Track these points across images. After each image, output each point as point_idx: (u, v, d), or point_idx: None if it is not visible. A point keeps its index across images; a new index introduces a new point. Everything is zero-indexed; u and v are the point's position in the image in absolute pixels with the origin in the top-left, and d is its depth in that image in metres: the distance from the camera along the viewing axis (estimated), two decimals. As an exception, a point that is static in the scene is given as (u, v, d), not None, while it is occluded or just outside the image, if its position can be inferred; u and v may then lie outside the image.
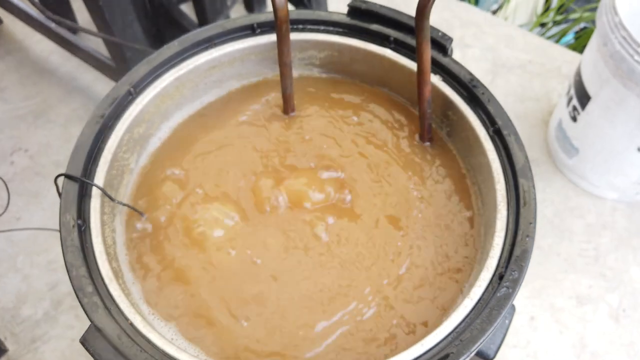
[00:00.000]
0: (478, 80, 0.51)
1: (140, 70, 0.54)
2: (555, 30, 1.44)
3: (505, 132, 0.48)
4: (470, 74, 0.52)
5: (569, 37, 1.42)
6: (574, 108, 1.03)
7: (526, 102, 1.16)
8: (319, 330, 0.45)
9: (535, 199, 0.45)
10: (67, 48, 1.15)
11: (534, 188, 0.45)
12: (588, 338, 0.96)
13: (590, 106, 0.98)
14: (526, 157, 0.47)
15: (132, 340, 0.40)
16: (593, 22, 1.34)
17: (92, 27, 0.98)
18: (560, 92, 1.20)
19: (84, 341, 0.39)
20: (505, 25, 1.25)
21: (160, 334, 0.42)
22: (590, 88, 0.97)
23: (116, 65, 1.03)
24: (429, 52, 0.48)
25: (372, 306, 0.47)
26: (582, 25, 1.43)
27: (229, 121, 0.58)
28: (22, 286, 0.99)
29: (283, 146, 0.56)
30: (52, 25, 1.11)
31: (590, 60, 0.96)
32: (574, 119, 1.04)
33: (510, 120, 0.49)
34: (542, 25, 1.47)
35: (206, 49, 0.57)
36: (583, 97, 0.99)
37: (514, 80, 1.14)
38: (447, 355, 0.39)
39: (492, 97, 0.50)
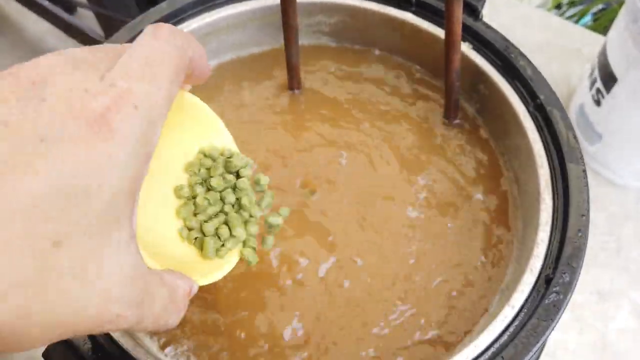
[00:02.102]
0: (515, 48, 0.44)
1: (121, 38, 0.46)
2: (572, 11, 1.37)
3: (548, 109, 0.41)
4: (506, 39, 0.45)
5: (587, 19, 1.35)
6: (598, 91, 0.96)
7: (544, 85, 1.09)
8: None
9: (587, 186, 0.38)
10: (62, 28, 1.09)
11: (584, 173, 0.38)
12: (610, 337, 0.90)
13: (616, 89, 0.91)
14: (575, 137, 0.40)
15: (106, 353, 0.33)
16: (614, 1, 1.27)
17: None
18: (580, 74, 1.13)
19: (46, 356, 0.33)
20: (522, 5, 1.18)
21: (141, 345, 0.35)
22: (616, 69, 0.90)
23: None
24: (460, 14, 0.41)
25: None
26: (600, 6, 1.36)
27: (226, 98, 0.51)
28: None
29: (289, 126, 0.48)
30: (46, 3, 1.05)
31: (617, 40, 0.89)
32: (598, 102, 0.97)
33: (554, 94, 0.42)
34: (558, 7, 1.40)
35: (200, 12, 0.50)
36: (608, 79, 0.92)
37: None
38: (486, 375, 0.32)
39: (532, 67, 0.43)
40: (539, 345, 0.33)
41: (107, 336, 0.34)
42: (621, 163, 1.00)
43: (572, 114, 1.06)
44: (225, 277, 0.32)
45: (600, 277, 0.95)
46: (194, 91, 0.33)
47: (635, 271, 0.96)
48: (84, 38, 1.07)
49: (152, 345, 0.38)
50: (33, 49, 1.26)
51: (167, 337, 0.39)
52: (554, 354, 0.89)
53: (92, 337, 0.34)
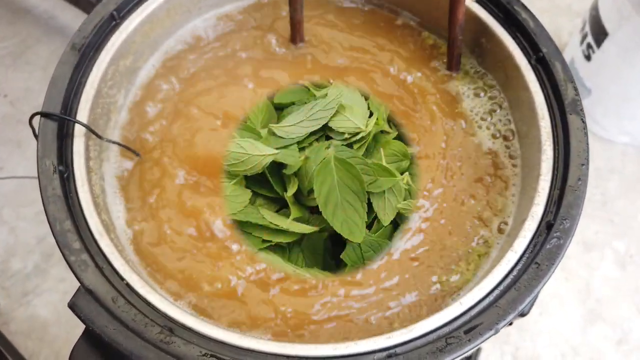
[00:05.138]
0: (518, 0, 0.44)
1: (124, -11, 0.46)
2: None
3: (551, 61, 0.42)
4: (509, -8, 0.45)
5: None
6: (589, 46, 0.97)
7: (535, 40, 1.09)
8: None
9: (587, 136, 0.39)
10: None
11: (584, 123, 0.40)
12: (594, 284, 0.94)
13: (606, 44, 0.92)
14: (576, 89, 0.41)
15: (128, 302, 0.35)
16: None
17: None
18: (570, 30, 1.14)
19: (72, 305, 0.34)
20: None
21: (161, 295, 0.36)
22: (608, 24, 0.91)
23: (98, 1, 0.93)
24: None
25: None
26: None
27: (227, 53, 0.50)
28: (10, 239, 0.96)
29: (291, 81, 0.49)
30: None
31: (610, -7, 0.90)
32: (588, 57, 0.98)
33: (557, 48, 0.42)
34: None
35: (200, -37, 0.49)
36: (599, 34, 0.93)
37: (523, 17, 1.07)
38: (491, 316, 0.34)
39: (535, 20, 0.44)
40: (539, 288, 0.35)
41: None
42: (609, 118, 1.02)
43: (563, 69, 1.07)
44: None
45: (586, 228, 0.99)
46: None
47: (619, 223, 0.99)
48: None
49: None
50: (13, 7, 1.21)
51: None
52: (541, 300, 0.93)
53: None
